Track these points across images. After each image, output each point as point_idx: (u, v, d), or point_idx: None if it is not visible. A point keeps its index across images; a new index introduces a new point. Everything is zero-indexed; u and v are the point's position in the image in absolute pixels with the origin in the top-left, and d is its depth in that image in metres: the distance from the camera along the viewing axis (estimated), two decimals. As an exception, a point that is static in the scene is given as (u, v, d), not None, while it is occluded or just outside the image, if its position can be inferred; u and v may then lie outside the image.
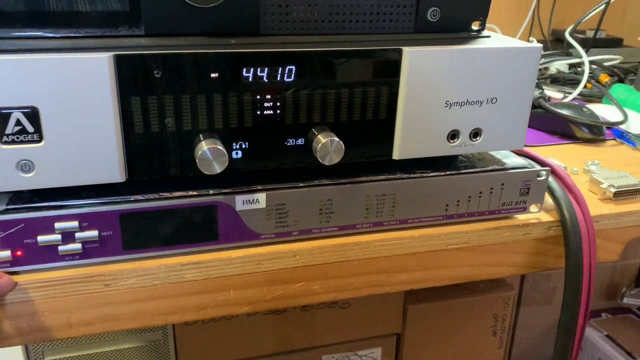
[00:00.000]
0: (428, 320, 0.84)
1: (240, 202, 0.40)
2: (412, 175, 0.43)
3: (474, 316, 0.87)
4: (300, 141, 0.40)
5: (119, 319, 0.40)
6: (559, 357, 0.50)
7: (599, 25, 1.03)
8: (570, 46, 0.89)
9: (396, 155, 0.42)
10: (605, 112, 0.69)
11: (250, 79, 0.37)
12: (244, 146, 0.39)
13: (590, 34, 1.04)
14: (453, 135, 0.43)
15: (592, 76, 0.83)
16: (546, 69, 0.89)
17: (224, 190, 0.40)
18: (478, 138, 0.43)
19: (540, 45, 0.43)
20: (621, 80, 0.85)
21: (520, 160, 0.47)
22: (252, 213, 0.40)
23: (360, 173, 0.43)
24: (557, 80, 0.88)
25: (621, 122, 0.66)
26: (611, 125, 0.66)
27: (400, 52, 0.39)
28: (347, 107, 0.40)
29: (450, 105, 0.42)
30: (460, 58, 0.41)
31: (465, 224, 0.46)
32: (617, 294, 1.03)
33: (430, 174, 0.44)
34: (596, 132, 0.65)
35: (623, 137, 0.66)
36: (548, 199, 0.48)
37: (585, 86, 0.80)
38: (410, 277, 0.46)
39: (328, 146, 0.39)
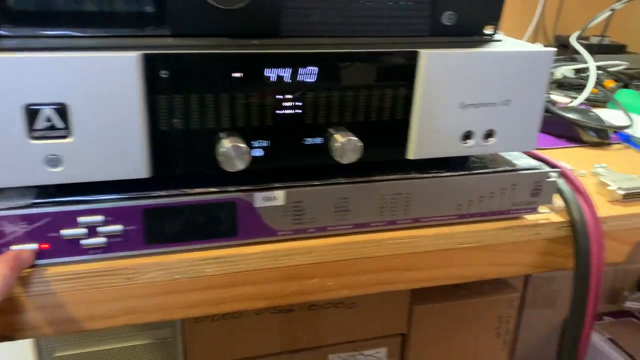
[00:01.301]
0: (433, 321, 0.85)
1: (259, 199, 0.41)
2: (426, 175, 0.44)
3: (479, 317, 0.88)
4: (318, 140, 0.41)
5: (141, 312, 0.41)
6: (567, 356, 0.51)
7: (605, 31, 1.04)
8: (576, 52, 0.90)
9: (411, 155, 0.43)
10: (610, 116, 0.70)
11: (272, 79, 0.38)
12: (264, 144, 0.40)
13: (594, 40, 1.06)
14: (467, 135, 0.44)
15: (597, 81, 0.84)
16: (551, 74, 0.91)
17: (243, 187, 0.41)
18: (491, 139, 0.44)
19: (554, 49, 0.44)
20: (626, 86, 0.87)
21: (531, 162, 0.48)
22: (270, 210, 0.41)
23: (375, 172, 0.44)
24: (562, 85, 0.89)
25: (627, 127, 0.67)
26: (618, 129, 0.67)
27: (416, 54, 0.40)
28: (364, 107, 0.41)
29: (465, 107, 0.43)
30: (475, 61, 0.42)
31: (477, 224, 0.47)
32: (619, 298, 1.04)
33: (444, 174, 0.45)
34: (603, 136, 0.66)
35: (629, 141, 0.67)
36: (557, 200, 0.49)
37: (591, 91, 0.81)
38: (422, 275, 0.47)
39: (346, 145, 0.40)
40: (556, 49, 0.45)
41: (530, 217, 0.48)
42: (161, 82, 0.36)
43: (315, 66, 0.39)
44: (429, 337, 0.87)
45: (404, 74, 0.41)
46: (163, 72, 0.36)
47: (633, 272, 1.04)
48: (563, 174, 0.50)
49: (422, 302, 0.83)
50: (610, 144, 0.68)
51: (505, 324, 0.91)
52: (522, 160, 0.48)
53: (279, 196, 0.41)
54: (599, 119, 0.66)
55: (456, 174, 0.45)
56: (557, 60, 0.91)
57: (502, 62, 0.42)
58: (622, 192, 0.52)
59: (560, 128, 0.68)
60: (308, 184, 0.42)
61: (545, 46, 0.96)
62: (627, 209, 0.52)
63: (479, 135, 0.44)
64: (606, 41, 1.10)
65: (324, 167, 0.42)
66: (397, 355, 0.87)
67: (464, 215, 0.46)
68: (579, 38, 0.94)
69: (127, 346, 0.74)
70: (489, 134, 0.44)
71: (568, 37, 0.99)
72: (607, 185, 0.53)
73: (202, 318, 0.74)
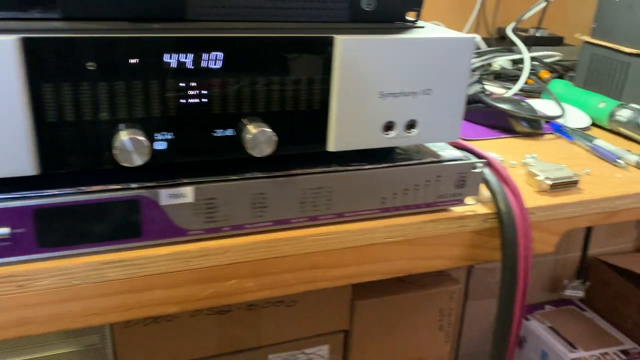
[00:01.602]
0: (375, 316, 0.84)
1: (165, 197, 0.38)
2: (347, 168, 0.42)
3: (420, 311, 0.87)
4: (229, 132, 0.38)
5: (36, 322, 0.37)
6: (497, 349, 0.50)
7: (540, 23, 1.05)
8: (513, 43, 0.91)
9: (331, 147, 0.41)
10: (543, 106, 0.71)
11: (172, 65, 0.35)
12: (168, 137, 0.37)
13: (532, 32, 1.07)
14: (388, 126, 0.42)
15: (533, 72, 0.85)
16: (489, 65, 0.91)
17: (147, 184, 0.38)
18: (413, 130, 0.43)
19: (474, 35, 0.43)
20: (561, 77, 0.87)
21: (456, 153, 0.47)
22: (178, 208, 0.39)
23: (294, 165, 0.42)
24: (500, 76, 0.89)
25: (559, 117, 0.67)
26: (549, 119, 0.67)
27: (332, 40, 0.38)
28: (278, 97, 0.39)
29: (385, 96, 0.41)
30: (392, 47, 0.40)
31: (402, 217, 0.45)
32: (559, 287, 1.06)
33: (366, 167, 0.43)
34: (535, 126, 0.66)
35: (560, 130, 0.67)
36: (484, 192, 0.48)
37: (526, 82, 0.81)
38: (347, 271, 0.45)
39: (259, 137, 0.38)
40: (476, 35, 0.44)
41: (456, 209, 0.47)
42: (45, 69, 0.32)
43: (220, 51, 0.36)
44: (372, 332, 0.85)
45: (319, 60, 0.39)
46: (47, 58, 0.32)
47: (572, 261, 1.06)
48: (490, 165, 0.49)
49: (363, 297, 0.82)
50: (542, 134, 0.68)
51: (447, 317, 0.90)
52: (447, 152, 0.47)
53: (187, 193, 0.38)
54: (531, 109, 0.66)
55: (378, 166, 0.43)
56: (493, 51, 0.91)
57: (421, 48, 0.41)
58: (550, 182, 0.52)
59: (494, 119, 0.68)
60: (220, 179, 0.39)
61: (485, 39, 0.96)
62: (554, 199, 0.51)
63: (400, 125, 0.42)
64: (543, 33, 1.11)
65: (240, 162, 0.40)
66: (340, 352, 0.85)
67: (388, 209, 0.45)
68: (517, 30, 0.95)
69: (50, 355, 0.69)
70: (410, 125, 0.43)
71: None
72: (535, 175, 0.52)
73: (133, 322, 0.71)
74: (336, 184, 0.42)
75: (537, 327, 1.03)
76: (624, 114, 0.67)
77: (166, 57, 0.35)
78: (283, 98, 0.39)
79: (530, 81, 0.83)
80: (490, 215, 0.48)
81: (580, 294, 1.04)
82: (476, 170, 0.46)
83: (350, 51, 0.39)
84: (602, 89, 0.75)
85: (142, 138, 0.35)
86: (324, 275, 0.44)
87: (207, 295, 0.41)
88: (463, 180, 0.46)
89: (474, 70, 0.87)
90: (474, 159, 0.47)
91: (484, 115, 0.68)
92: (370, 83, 0.40)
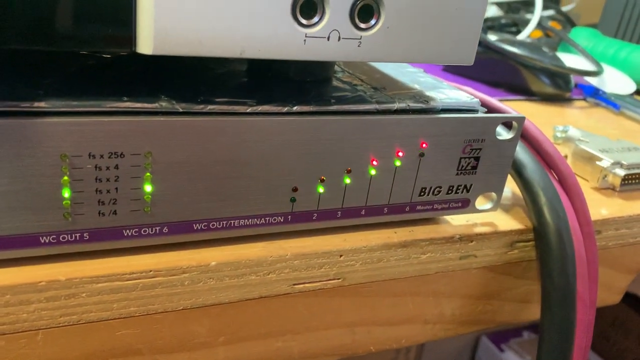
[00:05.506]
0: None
1: None
2: (197, 108, 0.16)
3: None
4: None
5: None
6: None
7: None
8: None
9: (145, 45, 0.15)
10: (568, 61, 0.46)
11: None
12: None
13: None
14: (308, 4, 0.16)
15: (539, 23, 0.61)
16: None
17: None
18: (373, 22, 0.17)
19: None
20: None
21: (461, 96, 0.21)
22: None
23: (34, 92, 0.15)
24: (491, 28, 0.65)
25: (596, 73, 0.43)
26: (585, 75, 0.43)
27: None
28: None
29: None
30: None
31: (334, 234, 0.20)
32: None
33: (252, 110, 0.17)
34: (561, 86, 0.42)
35: (598, 95, 0.43)
36: (512, 187, 0.24)
37: (529, 36, 0.57)
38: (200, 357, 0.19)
39: None
40: None
41: (455, 221, 0.22)
42: None
43: None
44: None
45: None
46: None
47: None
48: (525, 134, 0.24)
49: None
50: (570, 99, 0.44)
51: (404, 355, 0.67)
52: (443, 93, 0.21)
53: None
54: (556, 58, 0.42)
55: (282, 109, 0.17)
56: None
57: None
58: (623, 172, 0.27)
59: (499, 71, 0.43)
60: None
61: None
62: (631, 204, 0.27)
63: (340, 9, 0.16)
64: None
65: None
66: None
67: (304, 216, 0.19)
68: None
69: None
70: (366, 7, 0.17)
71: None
72: (596, 158, 0.28)
73: None
74: (164, 147, 0.16)
75: (513, 360, 0.81)
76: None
77: None
78: None
79: (537, 33, 0.59)
80: (522, 235, 0.23)
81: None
82: (503, 138, 0.21)
83: None
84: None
85: None
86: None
87: None
88: (474, 159, 0.21)
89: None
90: (498, 115, 0.21)
91: (484, 65, 0.43)
92: None
